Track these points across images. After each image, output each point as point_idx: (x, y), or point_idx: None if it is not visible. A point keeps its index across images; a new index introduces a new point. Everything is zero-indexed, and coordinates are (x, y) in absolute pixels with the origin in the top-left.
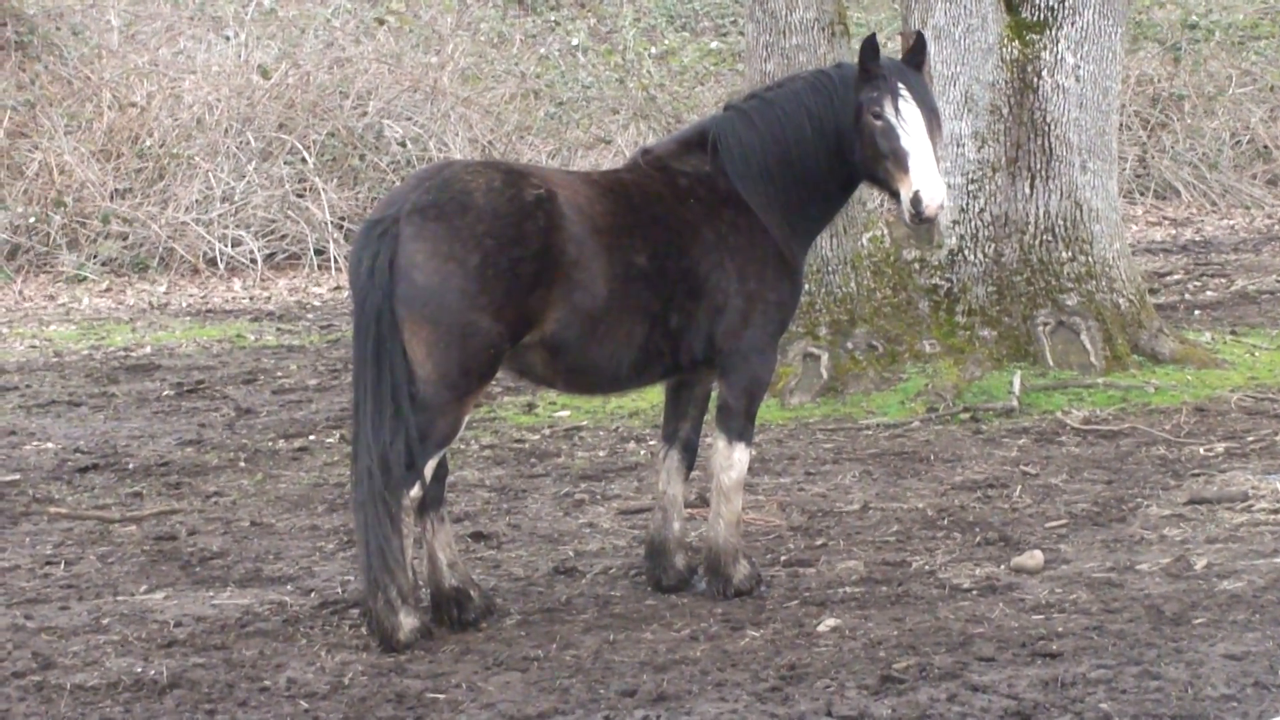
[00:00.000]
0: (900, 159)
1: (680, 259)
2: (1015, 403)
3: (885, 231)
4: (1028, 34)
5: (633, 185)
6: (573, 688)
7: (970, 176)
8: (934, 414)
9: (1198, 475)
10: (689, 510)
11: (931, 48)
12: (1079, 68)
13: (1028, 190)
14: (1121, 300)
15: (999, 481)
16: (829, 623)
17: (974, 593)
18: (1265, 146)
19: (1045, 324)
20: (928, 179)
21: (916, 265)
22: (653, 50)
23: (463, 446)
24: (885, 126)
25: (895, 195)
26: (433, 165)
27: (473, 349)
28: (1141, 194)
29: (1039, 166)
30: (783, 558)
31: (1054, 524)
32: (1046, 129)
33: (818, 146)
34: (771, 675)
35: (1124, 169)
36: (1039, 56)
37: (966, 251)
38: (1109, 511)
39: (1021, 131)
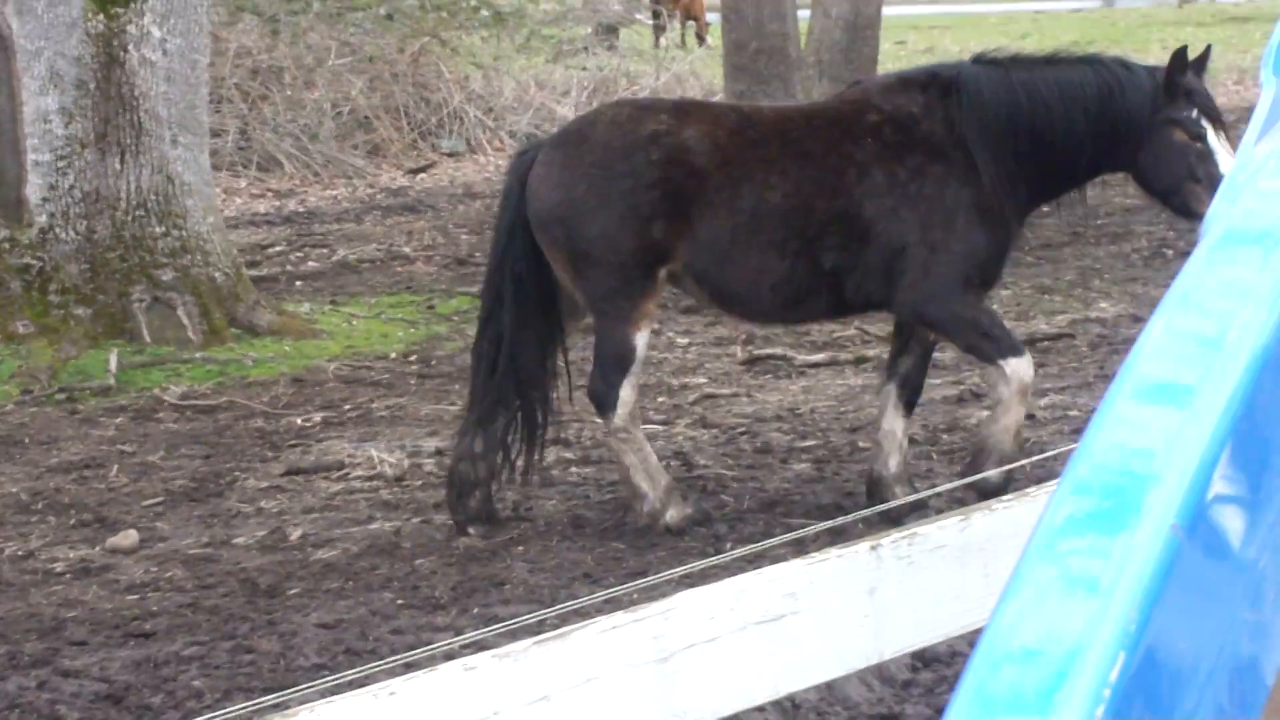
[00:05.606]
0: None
1: (833, 199)
2: (112, 381)
3: None
4: (113, 8)
5: (793, 121)
6: None
7: (59, 153)
8: (29, 396)
9: (295, 446)
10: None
11: (15, 23)
12: (166, 41)
13: (118, 166)
14: (218, 274)
15: (96, 462)
16: None
17: (68, 576)
18: (366, 116)
19: (141, 300)
20: None
21: (6, 245)
22: None
23: None
24: (1204, 151)
25: (1188, 214)
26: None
27: (599, 275)
28: (245, 166)
29: (129, 142)
30: None
31: (151, 502)
32: (135, 103)
33: (1079, 127)
34: None
35: (226, 142)
36: (125, 30)
37: (58, 229)
38: (206, 486)
39: (110, 106)
